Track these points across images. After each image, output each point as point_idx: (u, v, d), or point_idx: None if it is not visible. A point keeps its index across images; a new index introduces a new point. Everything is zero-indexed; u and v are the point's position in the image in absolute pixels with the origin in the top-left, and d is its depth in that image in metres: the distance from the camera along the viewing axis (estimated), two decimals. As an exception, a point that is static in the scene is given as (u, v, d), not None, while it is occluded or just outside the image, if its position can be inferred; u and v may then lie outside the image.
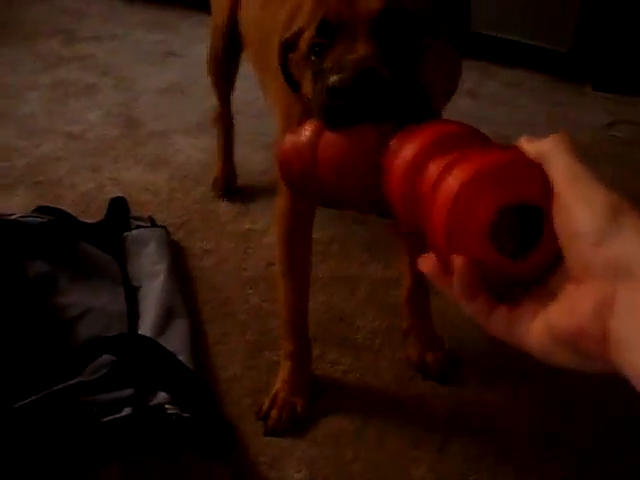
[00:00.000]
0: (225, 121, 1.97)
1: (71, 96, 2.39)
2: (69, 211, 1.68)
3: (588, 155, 2.22)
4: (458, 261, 0.53)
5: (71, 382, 1.29)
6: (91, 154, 2.08)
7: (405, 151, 0.61)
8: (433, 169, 0.57)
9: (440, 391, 1.41)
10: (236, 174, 1.97)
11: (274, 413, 1.34)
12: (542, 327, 0.51)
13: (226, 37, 1.74)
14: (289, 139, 0.74)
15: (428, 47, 0.87)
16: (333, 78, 0.75)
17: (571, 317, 0.48)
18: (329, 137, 0.71)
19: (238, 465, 1.27)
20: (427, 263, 0.57)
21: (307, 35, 0.90)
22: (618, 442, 1.34)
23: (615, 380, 0.47)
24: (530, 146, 0.55)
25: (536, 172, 0.53)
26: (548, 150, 0.53)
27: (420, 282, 1.42)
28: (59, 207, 1.68)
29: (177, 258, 1.67)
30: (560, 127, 2.36)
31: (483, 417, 1.37)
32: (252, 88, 1.91)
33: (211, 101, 2.29)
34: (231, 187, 1.95)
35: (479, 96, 2.52)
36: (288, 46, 1.02)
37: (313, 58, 0.87)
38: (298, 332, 1.38)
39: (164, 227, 1.73)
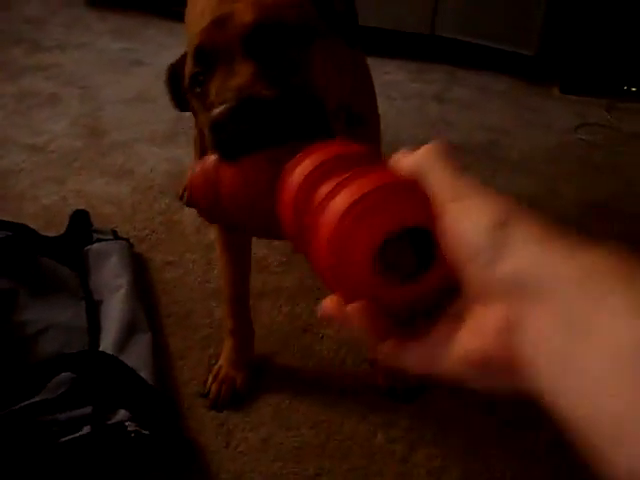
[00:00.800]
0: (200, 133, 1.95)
1: (34, 106, 2.36)
2: (31, 225, 1.66)
3: (556, 158, 2.23)
4: (354, 308, 0.50)
5: (30, 400, 1.28)
6: (54, 166, 2.06)
7: (292, 176, 0.57)
8: (315, 198, 0.54)
9: (401, 404, 1.40)
10: None
11: (214, 387, 1.40)
12: (454, 354, 0.47)
13: None
14: (195, 168, 0.72)
15: (312, 53, 0.85)
16: (214, 112, 0.73)
17: (477, 341, 0.45)
18: (227, 169, 0.69)
19: (200, 482, 1.26)
20: (327, 306, 0.52)
21: (188, 66, 0.88)
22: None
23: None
24: (405, 162, 0.51)
25: (416, 193, 0.49)
26: (423, 164, 0.49)
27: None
28: (20, 221, 1.66)
29: (140, 271, 1.65)
30: (528, 130, 2.37)
31: (448, 429, 1.36)
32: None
33: (176, 111, 2.28)
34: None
35: (446, 101, 2.52)
36: (174, 75, 1.01)
37: (197, 90, 0.85)
38: (239, 310, 1.42)
39: (127, 239, 1.71)
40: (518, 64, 2.63)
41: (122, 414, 1.27)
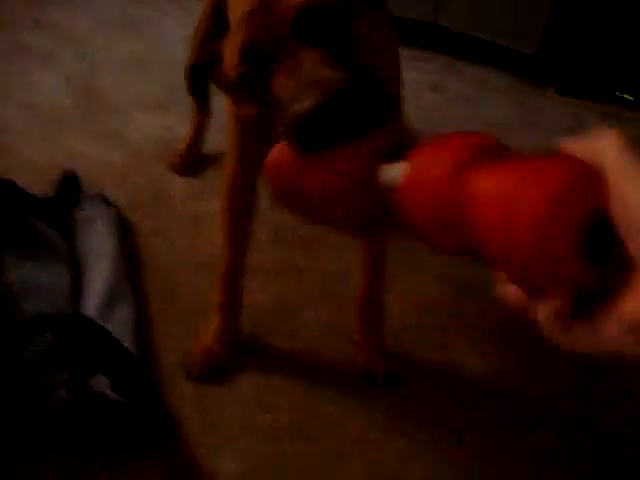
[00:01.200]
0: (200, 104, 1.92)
1: (29, 62, 2.33)
2: (19, 183, 1.64)
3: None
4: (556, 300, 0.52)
5: (10, 361, 1.27)
6: (45, 124, 2.03)
7: (432, 165, 0.56)
8: (488, 183, 0.53)
9: (381, 390, 1.41)
10: (201, 154, 1.96)
11: (197, 360, 1.40)
12: (621, 322, 0.49)
13: (211, 18, 1.69)
14: (275, 153, 0.70)
15: (359, 27, 0.84)
16: (298, 108, 0.72)
17: None
18: (314, 162, 0.66)
19: (174, 453, 1.26)
20: (511, 295, 0.55)
21: (233, 61, 0.85)
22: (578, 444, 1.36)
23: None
24: (580, 148, 0.54)
25: (601, 177, 0.51)
26: (602, 150, 0.52)
27: (374, 298, 1.44)
28: (8, 179, 1.64)
29: (127, 238, 1.65)
30: (522, 128, 2.37)
31: (421, 418, 1.38)
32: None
33: (173, 77, 2.27)
34: (190, 167, 1.93)
35: (443, 91, 2.51)
36: (203, 67, 1.00)
37: (251, 86, 0.83)
38: (230, 285, 1.42)
39: (115, 206, 1.70)
40: (517, 61, 2.63)
41: (102, 381, 1.27)
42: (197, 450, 1.27)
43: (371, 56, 0.82)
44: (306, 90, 0.73)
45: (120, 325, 1.38)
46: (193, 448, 1.27)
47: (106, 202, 1.70)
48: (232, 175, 1.31)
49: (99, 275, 1.49)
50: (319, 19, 0.80)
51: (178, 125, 2.06)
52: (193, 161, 1.93)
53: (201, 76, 1.04)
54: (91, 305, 1.42)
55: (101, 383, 1.26)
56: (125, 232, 1.66)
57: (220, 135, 1.99)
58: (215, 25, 1.61)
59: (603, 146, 0.52)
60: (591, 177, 0.51)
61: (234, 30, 0.85)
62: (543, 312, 0.54)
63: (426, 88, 2.51)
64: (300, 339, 1.49)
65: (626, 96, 2.57)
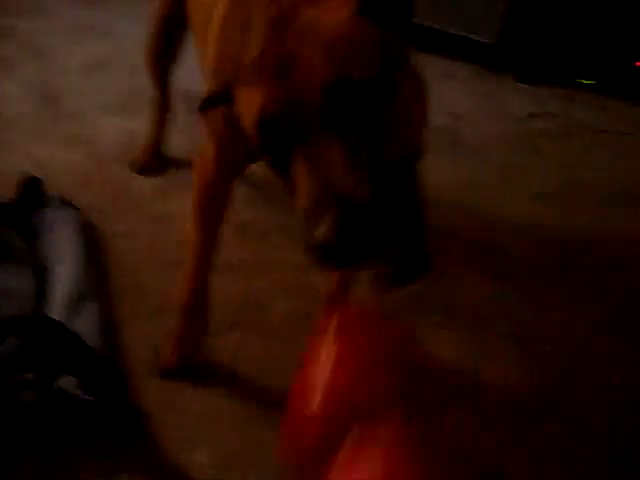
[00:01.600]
0: (160, 104, 1.93)
1: (-12, 70, 2.31)
2: (-20, 189, 1.63)
3: (510, 145, 2.25)
4: None
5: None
6: (6, 130, 2.02)
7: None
8: None
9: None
10: (163, 154, 1.96)
11: (165, 358, 1.39)
12: None
13: (164, 23, 1.70)
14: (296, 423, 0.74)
15: (398, 104, 0.78)
16: (319, 232, 0.67)
17: None
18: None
19: (145, 451, 1.25)
20: None
21: (250, 124, 0.76)
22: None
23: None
24: None
25: None
26: None
27: (344, 283, 1.45)
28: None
29: (90, 239, 1.63)
30: (486, 117, 2.39)
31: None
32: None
33: (133, 80, 2.26)
34: (151, 167, 1.92)
35: (405, 84, 2.53)
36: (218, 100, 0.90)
37: (269, 152, 0.76)
38: (198, 285, 1.39)
39: (78, 208, 1.69)
40: (479, 52, 2.65)
41: (68, 380, 1.25)
42: (168, 446, 1.25)
43: (407, 135, 0.78)
44: (326, 207, 0.67)
45: (87, 325, 1.37)
46: (164, 444, 1.26)
47: (69, 205, 1.69)
48: (208, 177, 1.27)
49: (63, 276, 1.48)
50: (351, 99, 0.72)
51: (140, 127, 2.04)
52: (155, 161, 1.93)
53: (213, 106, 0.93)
54: (56, 306, 1.41)
55: (68, 383, 1.25)
56: (89, 234, 1.65)
57: (181, 135, 2.00)
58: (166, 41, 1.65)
59: None
60: None
61: (249, 78, 0.76)
62: None
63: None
64: (269, 331, 1.49)
65: (584, 81, 2.60)
